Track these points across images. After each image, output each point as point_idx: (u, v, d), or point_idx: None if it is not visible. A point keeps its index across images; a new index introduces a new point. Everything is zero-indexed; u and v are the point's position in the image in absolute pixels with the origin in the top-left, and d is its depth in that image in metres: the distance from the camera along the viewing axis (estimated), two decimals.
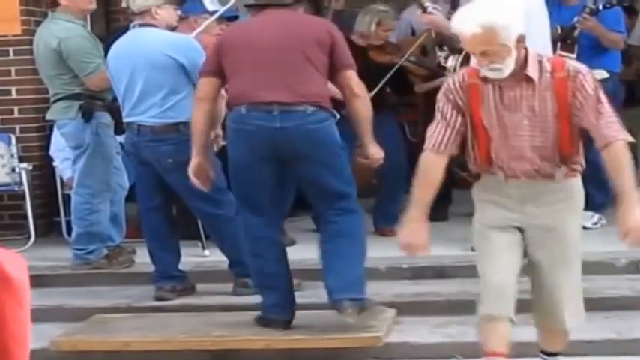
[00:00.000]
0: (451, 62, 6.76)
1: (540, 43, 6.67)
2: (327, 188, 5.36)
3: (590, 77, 4.16)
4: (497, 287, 4.26)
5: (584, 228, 7.21)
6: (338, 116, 5.48)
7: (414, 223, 4.34)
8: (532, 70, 4.14)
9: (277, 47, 5.28)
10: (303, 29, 5.37)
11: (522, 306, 5.75)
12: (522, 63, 4.13)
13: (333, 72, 5.36)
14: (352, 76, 5.39)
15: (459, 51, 6.66)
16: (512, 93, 4.16)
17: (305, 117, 5.24)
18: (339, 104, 5.58)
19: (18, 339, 1.93)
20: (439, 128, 4.25)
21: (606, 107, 4.18)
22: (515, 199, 4.27)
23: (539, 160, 4.21)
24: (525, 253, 4.36)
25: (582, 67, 4.21)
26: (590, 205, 7.36)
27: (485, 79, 4.17)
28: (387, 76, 7.42)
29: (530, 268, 4.38)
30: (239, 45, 5.36)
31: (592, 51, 7.23)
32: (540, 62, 4.18)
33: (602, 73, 7.32)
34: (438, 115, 4.27)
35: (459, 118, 4.22)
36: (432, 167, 4.28)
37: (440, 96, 4.28)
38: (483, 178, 4.38)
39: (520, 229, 4.30)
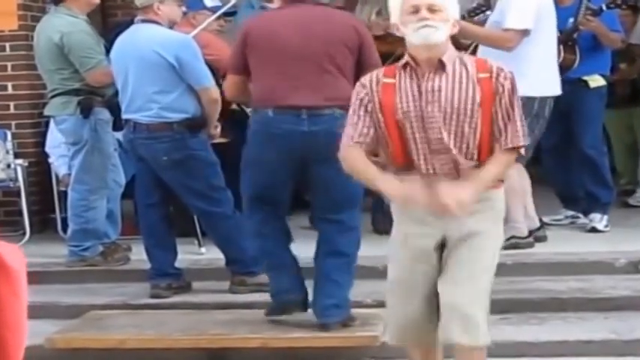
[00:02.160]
0: None
1: (548, 42, 6.67)
2: (338, 191, 5.32)
3: (510, 80, 4.06)
4: (405, 322, 4.18)
5: (596, 230, 7.23)
6: None
7: (394, 180, 4.08)
8: (447, 59, 4.06)
9: (304, 49, 5.23)
10: (331, 29, 5.29)
11: (519, 306, 5.75)
12: (441, 52, 4.08)
13: (360, 72, 5.31)
14: None
15: (465, 48, 6.65)
16: (430, 84, 4.06)
17: (333, 120, 5.18)
18: None
19: (13, 329, 1.92)
20: (353, 125, 4.14)
21: (517, 113, 4.07)
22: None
23: (459, 156, 4.05)
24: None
25: (504, 68, 4.10)
26: (598, 206, 7.35)
27: (404, 69, 4.08)
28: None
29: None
30: (265, 44, 5.29)
31: (589, 53, 7.22)
32: (461, 58, 4.12)
33: (599, 80, 7.32)
34: (350, 113, 4.20)
35: (367, 118, 4.12)
36: (355, 158, 4.15)
37: (354, 93, 4.20)
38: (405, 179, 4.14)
39: (437, 240, 4.13)
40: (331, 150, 5.23)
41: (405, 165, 4.12)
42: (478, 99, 4.03)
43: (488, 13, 7.02)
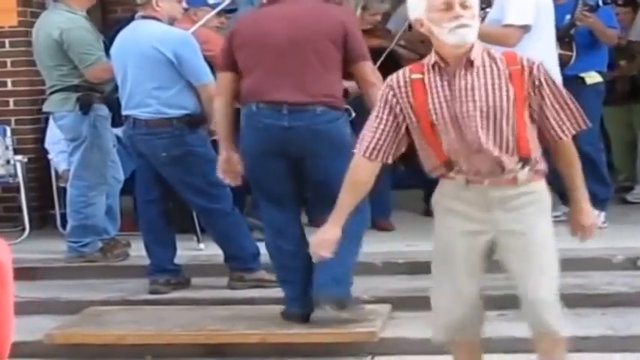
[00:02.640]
0: None
1: (547, 38, 6.68)
2: (333, 188, 5.31)
3: (544, 70, 3.98)
4: (457, 317, 4.14)
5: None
6: (353, 114, 5.45)
7: (327, 224, 4.15)
8: (475, 55, 3.93)
9: (289, 45, 5.23)
10: (317, 24, 5.30)
11: (516, 302, 5.76)
12: (469, 49, 3.95)
13: (347, 64, 5.33)
14: (367, 66, 5.36)
15: None
16: (462, 83, 3.93)
17: (314, 117, 5.22)
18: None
19: (1, 321, 1.92)
20: (372, 131, 4.02)
21: (567, 96, 4.01)
22: (478, 204, 4.02)
23: (500, 154, 3.96)
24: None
25: (536, 60, 4.02)
26: (595, 203, 7.34)
27: (432, 68, 3.97)
28: (380, 60, 7.37)
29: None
30: (252, 41, 5.31)
31: (586, 49, 7.23)
32: (489, 52, 4.00)
33: (596, 76, 7.32)
34: (373, 116, 4.06)
35: (395, 124, 4.00)
36: (361, 173, 4.11)
37: (380, 95, 4.07)
38: (442, 184, 4.12)
39: (487, 239, 4.08)
40: (314, 146, 5.25)
41: (444, 165, 4.02)
42: (512, 94, 3.92)
43: (487, 10, 7.02)
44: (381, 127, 4.02)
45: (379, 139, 4.02)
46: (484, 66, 3.95)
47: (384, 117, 4.01)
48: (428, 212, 8.19)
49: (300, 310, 5.49)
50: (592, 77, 7.30)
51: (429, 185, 8.14)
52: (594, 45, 7.34)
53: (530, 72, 3.94)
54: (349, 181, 4.13)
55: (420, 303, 5.88)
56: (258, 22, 5.41)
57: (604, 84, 7.45)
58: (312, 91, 5.23)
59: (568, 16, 7.15)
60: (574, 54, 7.07)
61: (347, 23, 5.35)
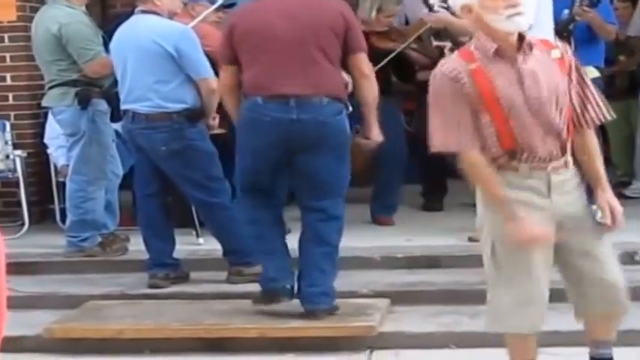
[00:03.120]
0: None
1: (546, 33, 6.68)
2: (323, 179, 5.37)
3: (572, 54, 4.05)
4: (535, 302, 4.06)
5: None
6: (350, 108, 5.49)
7: (520, 219, 3.92)
8: (531, 41, 3.96)
9: (292, 38, 5.26)
10: (317, 16, 5.32)
11: None
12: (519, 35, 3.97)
13: (345, 55, 5.36)
14: (362, 58, 5.42)
15: (463, 44, 6.65)
16: (526, 67, 3.93)
17: (321, 108, 5.26)
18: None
19: None
20: (456, 123, 3.90)
21: (592, 85, 4.06)
22: (540, 191, 3.99)
23: (559, 139, 3.98)
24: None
25: (567, 48, 4.08)
26: (593, 198, 7.34)
27: (496, 54, 3.91)
28: (385, 60, 7.40)
29: (565, 257, 4.13)
30: (253, 34, 5.32)
31: (584, 44, 7.23)
32: (529, 41, 3.99)
33: (593, 71, 7.33)
34: (440, 109, 3.94)
35: (467, 111, 3.90)
36: (480, 163, 3.94)
37: (439, 89, 3.94)
38: (503, 175, 3.99)
39: (553, 224, 4.02)
40: (319, 138, 5.28)
41: (508, 154, 3.96)
42: (564, 77, 3.96)
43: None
44: (464, 118, 3.90)
45: (470, 129, 3.92)
46: (539, 51, 3.97)
47: (458, 109, 3.90)
48: (427, 207, 8.26)
49: (285, 282, 5.49)
50: (590, 72, 7.29)
51: (427, 180, 8.25)
52: (592, 40, 7.34)
53: (566, 56, 4.01)
54: (486, 178, 3.97)
55: (418, 297, 5.91)
56: (257, 14, 5.41)
57: (601, 79, 7.45)
58: (316, 82, 5.26)
59: (566, 11, 7.14)
60: (572, 49, 7.07)
61: (346, 14, 5.39)
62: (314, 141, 5.28)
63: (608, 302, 4.13)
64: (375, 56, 7.34)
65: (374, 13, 7.59)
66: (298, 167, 5.44)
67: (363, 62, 5.42)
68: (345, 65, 5.48)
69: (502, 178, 3.97)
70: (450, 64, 3.97)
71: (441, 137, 3.95)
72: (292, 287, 5.51)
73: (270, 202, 5.49)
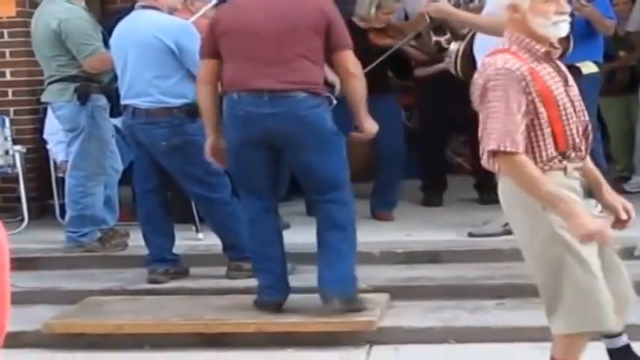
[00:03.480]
0: (453, 47, 6.73)
1: None
2: (318, 175, 5.37)
3: None
4: (607, 302, 3.91)
5: None
6: (334, 102, 5.48)
7: (585, 213, 3.82)
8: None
9: (270, 34, 5.26)
10: (298, 13, 5.31)
11: (515, 291, 5.78)
12: None
13: (329, 53, 5.34)
14: (348, 56, 5.36)
15: (462, 37, 6.66)
16: (562, 68, 4.00)
17: (296, 103, 5.25)
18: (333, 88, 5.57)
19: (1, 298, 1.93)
20: (510, 120, 3.80)
21: None
22: (578, 191, 3.97)
23: (587, 140, 4.02)
24: None
25: None
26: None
27: (543, 56, 3.93)
28: (382, 57, 7.40)
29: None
30: (232, 29, 5.34)
31: (582, 39, 7.22)
32: None
33: (592, 67, 7.32)
34: (501, 104, 3.82)
35: (524, 113, 3.83)
36: (528, 164, 3.82)
37: (505, 86, 3.82)
38: (553, 176, 3.90)
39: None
40: (296, 133, 5.27)
41: (561, 154, 3.92)
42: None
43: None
44: (519, 117, 3.83)
45: (522, 130, 3.85)
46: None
47: (515, 107, 3.82)
48: (426, 202, 8.27)
49: (273, 298, 5.53)
50: (588, 67, 7.29)
51: (426, 175, 8.26)
52: (591, 35, 7.33)
53: None
54: (536, 176, 3.84)
55: (418, 292, 5.92)
56: (238, 10, 5.44)
57: (599, 74, 7.45)
58: (292, 78, 5.25)
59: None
60: (571, 44, 7.07)
61: (327, 10, 5.35)
62: (293, 136, 5.28)
63: (619, 313, 4.02)
64: (372, 53, 7.35)
65: (373, 10, 7.58)
66: (290, 164, 5.47)
67: (347, 60, 5.35)
68: (331, 64, 5.47)
69: (551, 179, 3.88)
70: (514, 61, 3.88)
71: (498, 137, 3.82)
72: (281, 301, 5.53)
73: (265, 201, 5.47)
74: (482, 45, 6.66)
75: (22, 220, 7.68)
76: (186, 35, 6.12)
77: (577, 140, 3.96)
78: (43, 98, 7.10)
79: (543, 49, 3.93)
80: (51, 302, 6.04)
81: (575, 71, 7.19)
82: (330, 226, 5.38)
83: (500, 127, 3.80)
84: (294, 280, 5.69)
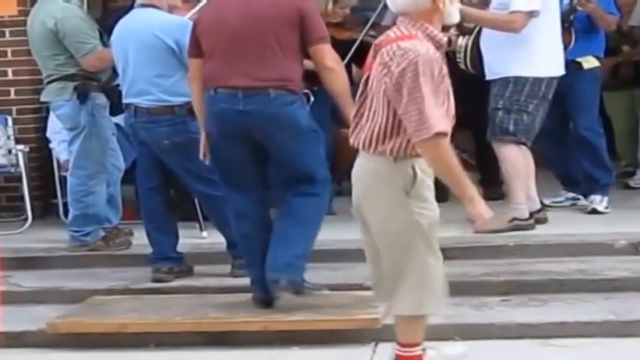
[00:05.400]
0: (461, 41, 6.79)
1: (552, 22, 6.68)
2: (290, 171, 5.40)
3: None
4: (444, 287, 4.35)
5: (597, 212, 7.23)
6: (312, 99, 5.49)
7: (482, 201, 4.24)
8: None
9: (243, 31, 5.31)
10: (272, 9, 5.33)
11: (519, 288, 5.77)
12: None
13: (306, 47, 5.36)
14: (324, 50, 5.37)
15: (469, 32, 6.68)
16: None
17: (268, 100, 5.30)
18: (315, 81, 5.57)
19: None
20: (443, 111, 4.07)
21: None
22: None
23: None
24: None
25: None
26: (598, 188, 7.34)
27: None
28: (351, 52, 7.38)
29: None
30: (210, 28, 5.42)
31: (584, 34, 7.22)
32: None
33: (593, 61, 7.32)
34: (433, 95, 4.02)
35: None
36: (449, 147, 4.19)
37: (432, 70, 4.02)
38: (417, 161, 4.36)
39: None
40: (269, 130, 5.28)
41: None
42: None
43: None
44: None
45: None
46: None
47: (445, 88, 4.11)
48: None
49: (262, 294, 5.54)
50: (589, 62, 7.28)
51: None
52: (592, 30, 7.33)
53: None
54: (455, 162, 4.18)
55: None
56: (216, 8, 5.50)
57: (601, 69, 7.45)
58: (265, 75, 5.29)
59: (567, 1, 7.13)
60: (572, 39, 7.06)
61: (302, 6, 5.37)
62: (267, 133, 5.32)
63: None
64: (337, 47, 7.31)
65: (330, 5, 7.60)
66: (269, 160, 5.47)
67: (323, 53, 5.36)
68: (309, 58, 5.48)
69: (417, 164, 4.30)
70: (430, 46, 4.07)
71: (440, 119, 4.03)
72: (269, 299, 5.53)
73: (250, 196, 5.49)
74: (490, 39, 6.68)
75: (26, 219, 7.68)
76: (186, 33, 6.09)
77: None
78: (43, 98, 7.09)
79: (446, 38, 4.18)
80: (55, 302, 6.03)
81: (576, 66, 7.20)
82: (286, 216, 5.41)
83: (435, 110, 4.00)
84: None
